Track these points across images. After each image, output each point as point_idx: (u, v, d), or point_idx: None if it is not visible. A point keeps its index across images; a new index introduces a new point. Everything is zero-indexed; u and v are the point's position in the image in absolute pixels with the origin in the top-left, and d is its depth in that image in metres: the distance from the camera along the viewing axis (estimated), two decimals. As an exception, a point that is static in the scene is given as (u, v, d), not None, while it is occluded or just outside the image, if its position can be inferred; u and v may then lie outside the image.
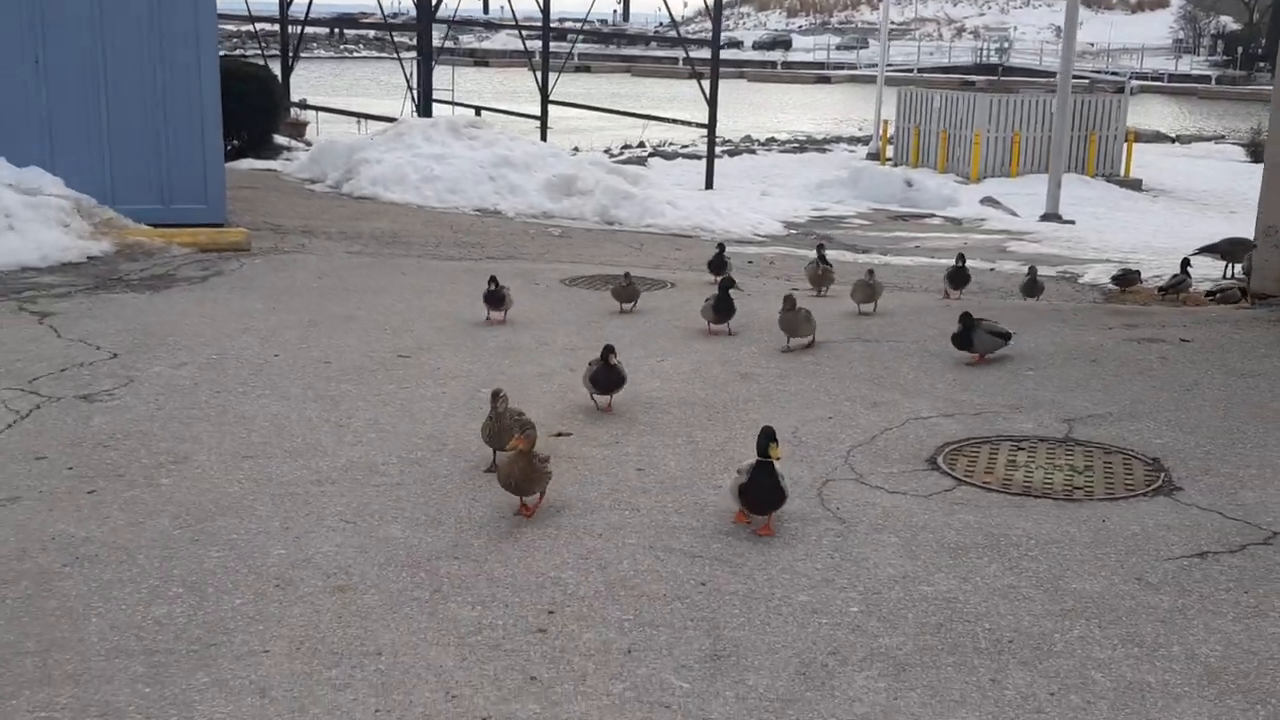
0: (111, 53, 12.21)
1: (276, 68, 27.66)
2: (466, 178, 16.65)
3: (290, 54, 29.74)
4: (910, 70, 79.35)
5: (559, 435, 5.87)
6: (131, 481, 5.16)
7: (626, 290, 8.94)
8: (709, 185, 28.09)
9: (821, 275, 9.79)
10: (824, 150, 41.80)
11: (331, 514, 4.83)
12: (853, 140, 44.37)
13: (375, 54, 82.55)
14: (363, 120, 28.99)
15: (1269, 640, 3.82)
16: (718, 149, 31.49)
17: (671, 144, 41.23)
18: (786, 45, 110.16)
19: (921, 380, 6.93)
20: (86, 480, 5.16)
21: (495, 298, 8.28)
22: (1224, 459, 5.53)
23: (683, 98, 51.97)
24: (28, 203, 10.69)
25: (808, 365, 7.29)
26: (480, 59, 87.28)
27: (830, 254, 11.05)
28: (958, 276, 9.88)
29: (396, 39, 36.96)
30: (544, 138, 28.80)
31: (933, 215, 24.16)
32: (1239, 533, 4.66)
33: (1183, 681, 3.57)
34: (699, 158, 31.73)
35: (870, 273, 8.98)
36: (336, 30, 78.03)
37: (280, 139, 22.86)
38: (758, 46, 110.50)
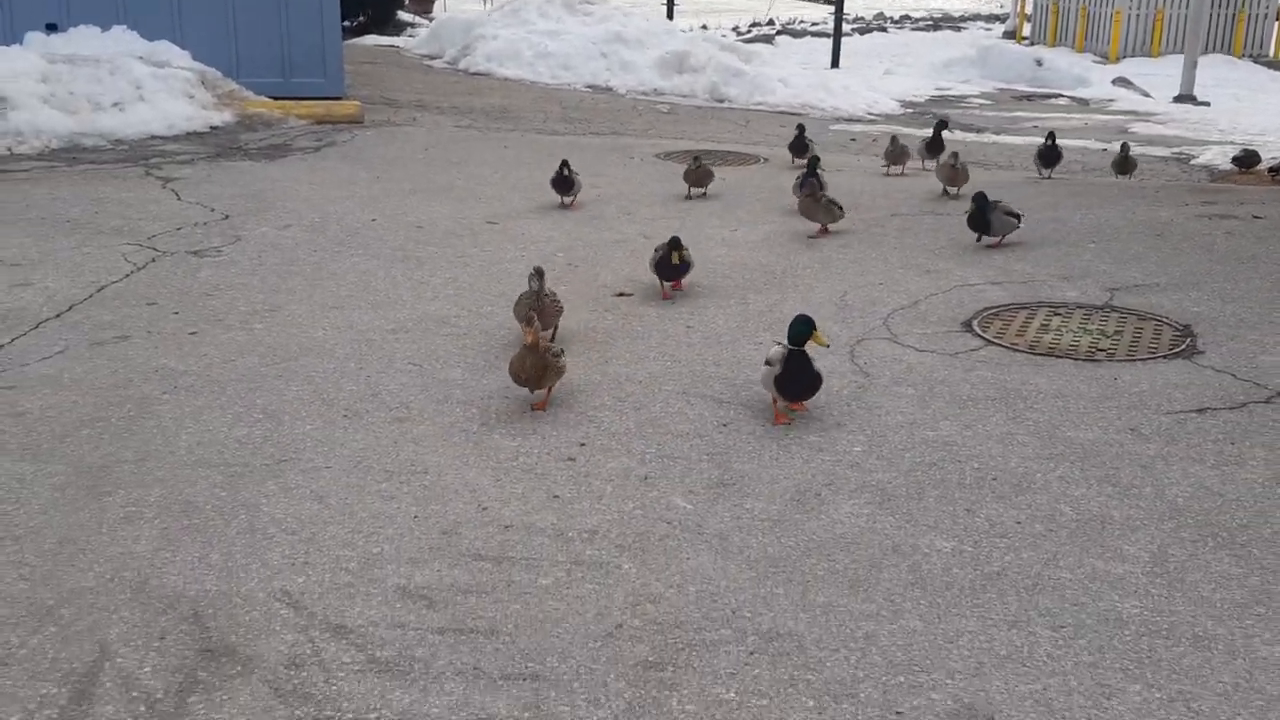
0: (236, -70, 12.76)
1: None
2: (579, 54, 16.92)
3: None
4: (1061, -57, 76.02)
5: (620, 295, 6.28)
6: (229, 325, 5.73)
7: (696, 173, 8.77)
8: (835, 64, 27.75)
9: (898, 153, 9.91)
10: (959, 28, 40.72)
11: (401, 358, 5.33)
12: (990, 18, 43.16)
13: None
14: (488, -3, 29.22)
15: (1239, 484, 4.09)
16: (848, 26, 31.11)
17: (802, 21, 40.61)
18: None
19: (980, 252, 7.15)
20: (189, 323, 5.74)
21: (564, 182, 8.23)
22: (1255, 326, 5.70)
23: None
24: (156, 74, 11.33)
25: (873, 235, 7.55)
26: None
27: (947, 135, 11.14)
28: (1049, 155, 9.95)
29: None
30: (670, 14, 28.71)
31: (1060, 95, 23.63)
32: (1244, 392, 4.89)
33: (1145, 516, 3.88)
34: (828, 36, 31.25)
35: (954, 155, 9.06)
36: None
37: (405, 16, 23.33)
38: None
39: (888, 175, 10.03)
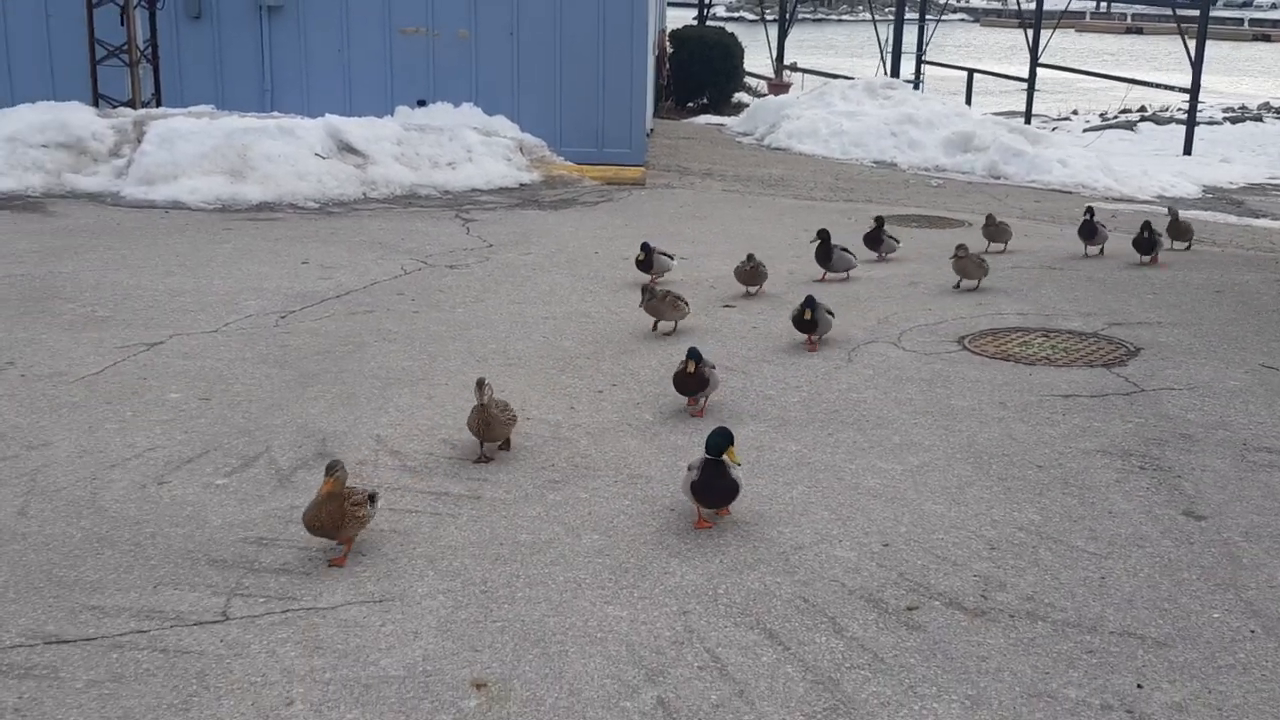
0: (565, 31, 15.72)
1: (774, 31, 30.80)
2: (870, 133, 18.85)
3: (788, 17, 32.57)
4: None
5: (726, 306, 8.31)
6: (440, 309, 8.21)
7: (748, 272, 8.61)
8: (1187, 150, 28.12)
9: (994, 232, 10.33)
10: (1358, 118, 39.11)
11: (539, 334, 7.61)
12: None
13: (874, 17, 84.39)
14: (837, 81, 31.39)
15: (1036, 435, 5.68)
16: (1221, 115, 31.55)
17: (1179, 108, 40.36)
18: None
19: (1045, 294, 8.64)
20: (417, 306, 8.27)
21: (644, 265, 8.80)
22: (1195, 353, 7.03)
23: (1230, 60, 50.47)
24: (484, 142, 14.31)
25: (983, 283, 9.15)
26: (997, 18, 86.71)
27: (1211, 216, 12.29)
28: (1142, 243, 9.73)
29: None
30: (1029, 100, 29.79)
31: (1405, 186, 23.08)
32: (1117, 388, 6.36)
33: (945, 446, 5.57)
34: (1200, 124, 31.24)
35: (962, 246, 8.84)
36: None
37: (745, 98, 25.99)
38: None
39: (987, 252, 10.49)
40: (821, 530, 4.70)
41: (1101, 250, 10.23)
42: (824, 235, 9.05)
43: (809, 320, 7.04)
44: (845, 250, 9.06)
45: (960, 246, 8.81)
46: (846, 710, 3.51)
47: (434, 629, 3.99)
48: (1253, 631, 3.95)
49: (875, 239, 9.92)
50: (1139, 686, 3.63)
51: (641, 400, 6.32)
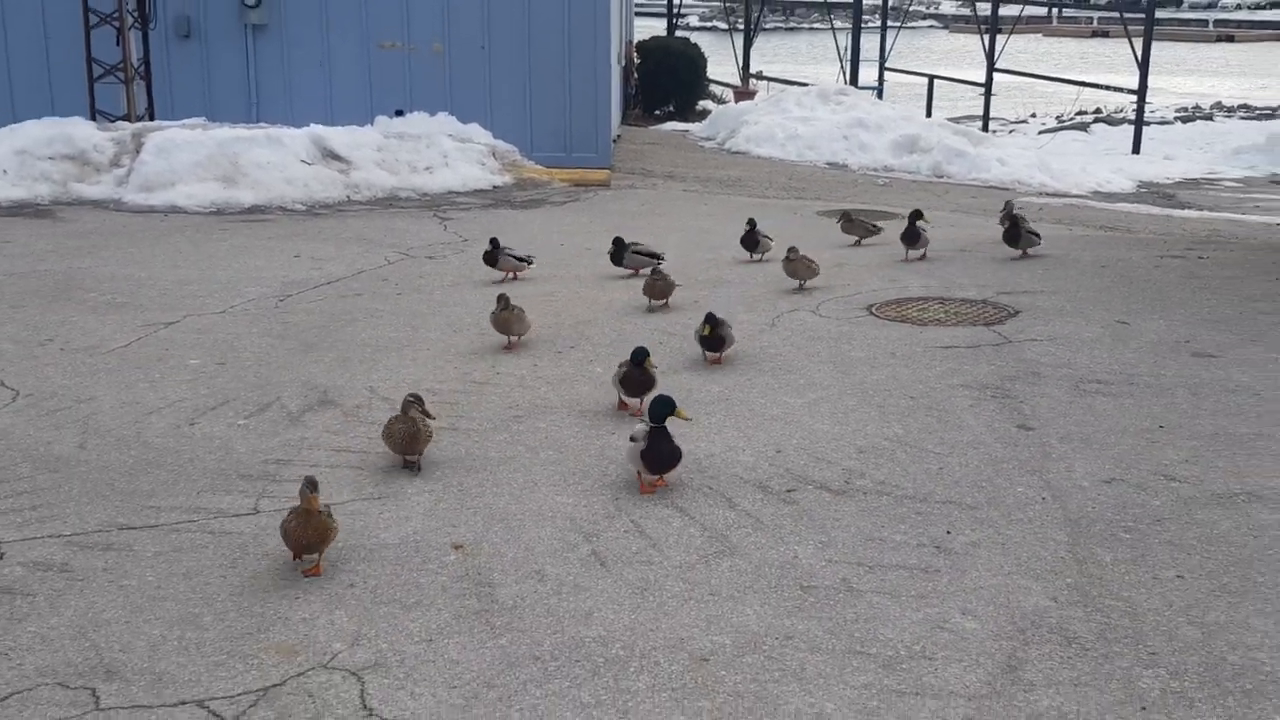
0: (534, 44, 16.91)
1: (740, 41, 32.04)
2: (823, 137, 20.09)
3: (752, 28, 33.82)
4: None
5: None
6: (421, 291, 9.37)
7: (656, 286, 8.64)
8: (1135, 149, 29.48)
9: (851, 224, 11.18)
10: (1295, 117, 40.51)
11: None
12: (1345, 107, 42.42)
13: (832, 26, 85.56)
14: (792, 88, 32.60)
15: (914, 375, 6.87)
16: (1174, 115, 33.00)
17: (1132, 108, 41.69)
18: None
19: (950, 271, 9.85)
20: (399, 289, 9.42)
21: (489, 258, 9.58)
22: (1064, 314, 8.24)
23: (1189, 60, 52.05)
24: (460, 148, 15.48)
25: (899, 264, 10.35)
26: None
27: (1135, 208, 13.90)
28: (1010, 233, 10.21)
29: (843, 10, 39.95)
30: (987, 105, 31.07)
31: (1332, 182, 24.36)
32: (990, 340, 7.56)
33: (839, 385, 6.76)
34: (1147, 123, 32.54)
35: (793, 249, 9.14)
36: (789, 9, 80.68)
37: (710, 105, 27.23)
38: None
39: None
40: (730, 443, 5.88)
41: (924, 255, 10.28)
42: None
43: (710, 337, 7.06)
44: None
45: (791, 249, 9.06)
46: (731, 552, 4.69)
47: (421, 514, 5.15)
48: (1043, 499, 5.15)
49: (751, 240, 10.26)
50: (948, 533, 4.83)
51: (594, 359, 7.49)
